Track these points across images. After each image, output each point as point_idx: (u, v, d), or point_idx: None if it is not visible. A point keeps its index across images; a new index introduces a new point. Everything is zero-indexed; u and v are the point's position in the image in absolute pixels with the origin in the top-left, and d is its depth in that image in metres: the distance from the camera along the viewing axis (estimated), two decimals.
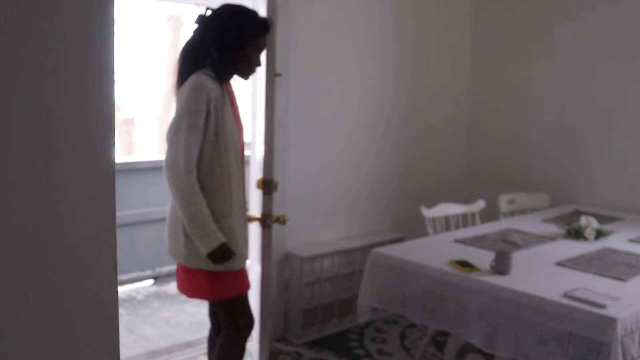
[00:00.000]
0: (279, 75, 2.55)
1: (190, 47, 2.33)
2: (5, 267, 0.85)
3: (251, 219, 2.57)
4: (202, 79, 2.25)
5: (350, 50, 3.64)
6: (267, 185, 2.54)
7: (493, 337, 2.18)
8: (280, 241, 3.41)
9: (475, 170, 4.43)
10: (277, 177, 3.32)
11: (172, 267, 4.62)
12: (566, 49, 3.89)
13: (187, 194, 2.18)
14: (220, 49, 2.29)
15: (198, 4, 5.45)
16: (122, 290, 4.31)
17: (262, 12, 3.22)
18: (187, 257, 2.31)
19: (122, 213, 4.29)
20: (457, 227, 3.37)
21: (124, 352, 3.19)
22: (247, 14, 2.36)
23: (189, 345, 3.49)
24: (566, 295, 2.09)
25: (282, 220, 2.61)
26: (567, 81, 3.91)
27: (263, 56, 2.43)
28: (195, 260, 2.30)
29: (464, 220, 3.51)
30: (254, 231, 3.41)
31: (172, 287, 4.47)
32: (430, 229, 3.15)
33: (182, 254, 2.31)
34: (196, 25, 2.34)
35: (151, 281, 4.59)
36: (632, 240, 2.89)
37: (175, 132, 2.21)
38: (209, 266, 2.29)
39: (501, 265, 2.33)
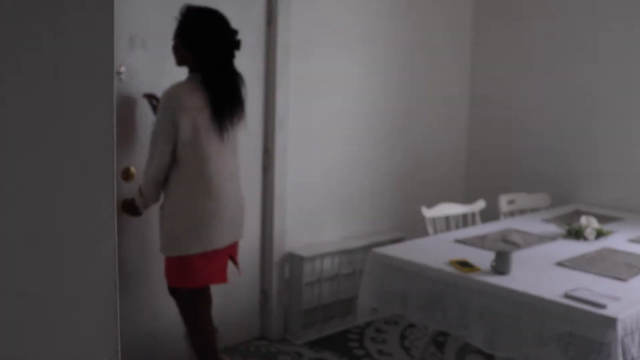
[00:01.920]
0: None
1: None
2: (5, 267, 0.85)
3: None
4: None
5: (350, 50, 3.64)
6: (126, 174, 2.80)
7: (493, 337, 2.18)
8: (280, 241, 3.41)
9: (475, 170, 4.43)
10: (277, 177, 3.35)
11: None
12: (567, 49, 3.88)
13: None
14: None
15: None
16: None
17: (262, 12, 3.23)
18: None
19: None
20: (457, 227, 3.37)
21: None
22: None
23: None
24: (566, 295, 2.09)
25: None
26: (567, 81, 3.90)
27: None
28: None
29: (464, 220, 3.51)
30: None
31: None
32: (430, 229, 3.15)
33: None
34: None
35: None
36: (632, 240, 2.89)
37: None
38: None
39: (501, 265, 2.33)
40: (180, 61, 2.51)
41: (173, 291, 2.65)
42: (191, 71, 2.50)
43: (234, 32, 2.50)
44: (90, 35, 0.89)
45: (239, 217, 2.62)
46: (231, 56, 2.52)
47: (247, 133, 2.83)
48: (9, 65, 0.82)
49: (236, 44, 2.51)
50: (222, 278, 2.60)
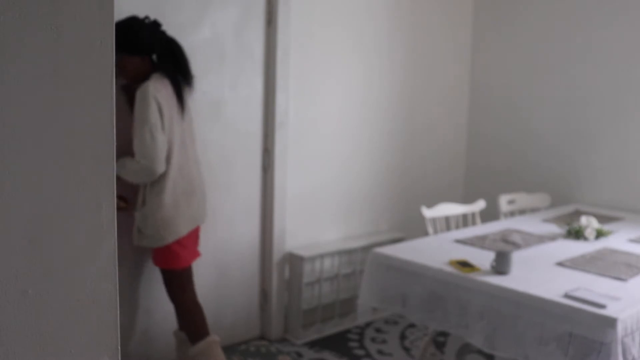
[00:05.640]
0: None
1: None
2: (5, 267, 0.85)
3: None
4: None
5: (350, 50, 3.64)
6: None
7: (493, 337, 2.18)
8: (280, 241, 3.41)
9: (475, 170, 4.43)
10: (277, 177, 3.35)
11: None
12: (566, 50, 3.89)
13: None
14: None
15: None
16: None
17: (262, 12, 3.23)
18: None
19: None
20: (457, 227, 3.37)
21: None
22: None
23: None
24: (566, 295, 2.09)
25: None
26: (567, 82, 3.91)
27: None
28: None
29: (464, 220, 3.51)
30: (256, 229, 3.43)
31: None
32: (430, 229, 3.15)
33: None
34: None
35: None
36: (632, 240, 2.89)
37: None
38: None
39: (501, 265, 2.33)
40: (133, 74, 2.58)
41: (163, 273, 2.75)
42: (141, 76, 2.58)
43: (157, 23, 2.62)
44: (90, 34, 0.89)
45: (204, 200, 2.79)
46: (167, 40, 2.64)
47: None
48: (8, 64, 0.82)
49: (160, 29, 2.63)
50: (197, 254, 2.79)
